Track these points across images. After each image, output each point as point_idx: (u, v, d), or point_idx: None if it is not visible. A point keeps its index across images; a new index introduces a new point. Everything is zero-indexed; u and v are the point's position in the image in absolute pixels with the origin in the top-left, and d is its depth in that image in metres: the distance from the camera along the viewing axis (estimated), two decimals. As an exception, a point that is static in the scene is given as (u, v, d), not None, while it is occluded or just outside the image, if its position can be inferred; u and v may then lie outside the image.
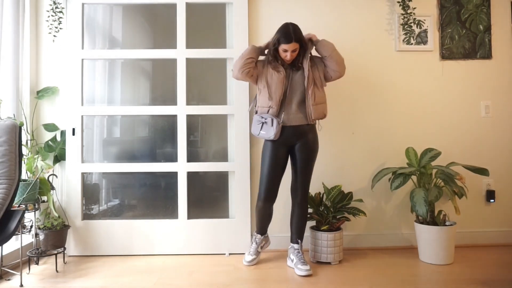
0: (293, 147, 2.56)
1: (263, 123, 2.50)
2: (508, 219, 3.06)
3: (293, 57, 2.49)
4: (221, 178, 3.03)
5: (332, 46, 2.53)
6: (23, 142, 2.71)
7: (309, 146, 2.55)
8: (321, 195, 2.79)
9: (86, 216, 2.95)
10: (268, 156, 2.53)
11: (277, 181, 2.56)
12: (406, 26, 3.01)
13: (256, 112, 2.60)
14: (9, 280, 2.40)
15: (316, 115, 2.51)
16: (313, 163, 2.59)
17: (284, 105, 2.50)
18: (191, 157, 2.97)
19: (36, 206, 2.61)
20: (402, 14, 2.99)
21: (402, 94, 3.05)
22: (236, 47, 2.93)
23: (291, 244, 2.61)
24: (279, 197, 2.77)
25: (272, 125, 2.47)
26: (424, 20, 3.04)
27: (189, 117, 2.96)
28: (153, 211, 3.02)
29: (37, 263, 2.69)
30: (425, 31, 3.05)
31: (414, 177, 2.84)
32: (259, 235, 2.71)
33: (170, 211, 2.98)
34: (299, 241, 2.59)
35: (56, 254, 2.60)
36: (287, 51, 2.46)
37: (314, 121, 2.55)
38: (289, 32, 2.44)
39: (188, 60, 2.95)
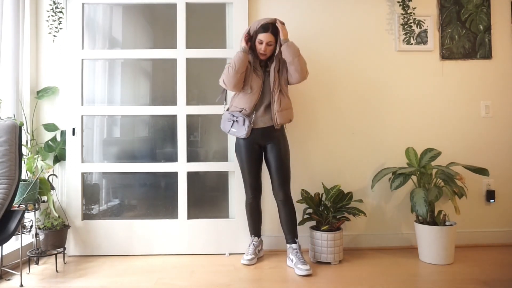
0: (264, 148, 2.61)
1: (234, 121, 2.55)
2: (508, 219, 3.06)
3: (268, 51, 2.50)
4: (221, 178, 3.03)
5: (296, 51, 2.48)
6: (23, 142, 2.71)
7: (279, 146, 2.58)
8: (319, 195, 2.78)
9: (86, 216, 2.95)
10: (244, 156, 2.60)
11: (258, 176, 2.66)
12: (406, 26, 3.01)
13: (227, 109, 2.65)
14: (9, 280, 2.40)
15: (282, 120, 2.55)
16: (287, 161, 2.62)
17: (255, 107, 2.55)
18: (191, 157, 2.97)
19: (36, 206, 2.61)
20: (402, 14, 2.99)
21: (402, 94, 3.05)
22: (236, 47, 2.93)
23: (288, 244, 2.61)
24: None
25: (243, 124, 2.52)
26: (424, 20, 3.04)
27: (189, 117, 2.96)
28: (153, 211, 3.02)
29: (37, 263, 2.69)
30: (425, 31, 3.05)
31: (414, 177, 2.84)
32: (256, 238, 2.74)
33: (170, 211, 2.98)
34: (296, 240, 2.59)
35: (56, 254, 2.60)
36: (262, 42, 2.48)
37: (280, 126, 2.57)
38: (267, 23, 2.48)
39: (188, 60, 2.95)
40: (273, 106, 2.52)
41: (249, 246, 2.73)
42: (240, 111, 2.55)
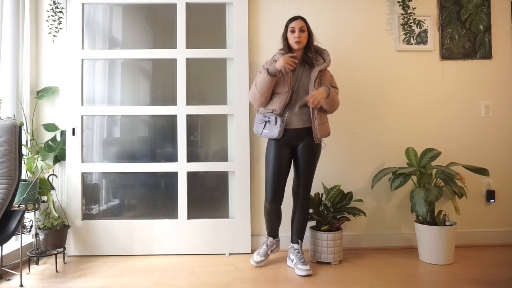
0: (295, 148, 2.56)
1: (266, 121, 2.50)
2: (508, 219, 3.06)
3: (302, 38, 2.47)
4: (221, 178, 3.03)
5: (334, 104, 2.54)
6: (23, 142, 2.71)
7: (311, 148, 2.53)
8: (320, 195, 2.78)
9: (86, 216, 2.95)
10: (272, 156, 2.52)
11: (283, 181, 2.54)
12: (406, 26, 3.01)
13: (258, 111, 2.61)
14: (9, 280, 2.40)
15: (321, 134, 2.52)
16: (315, 164, 2.58)
17: (288, 107, 2.49)
18: (191, 157, 2.97)
19: (36, 206, 2.61)
20: (402, 14, 2.99)
21: (402, 94, 3.05)
22: (236, 47, 2.93)
23: (291, 244, 2.61)
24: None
25: (275, 123, 2.46)
26: (424, 20, 3.04)
27: (189, 117, 2.95)
28: (153, 211, 3.02)
29: (37, 263, 2.69)
30: (425, 31, 3.05)
31: (414, 177, 2.84)
32: (270, 238, 2.68)
33: (170, 211, 2.98)
34: (299, 241, 2.58)
35: (56, 254, 2.60)
36: (294, 31, 2.47)
37: (320, 140, 2.53)
38: (294, 15, 2.54)
39: (188, 60, 2.95)
40: (313, 121, 2.48)
41: (262, 245, 2.69)
42: (272, 112, 2.50)
